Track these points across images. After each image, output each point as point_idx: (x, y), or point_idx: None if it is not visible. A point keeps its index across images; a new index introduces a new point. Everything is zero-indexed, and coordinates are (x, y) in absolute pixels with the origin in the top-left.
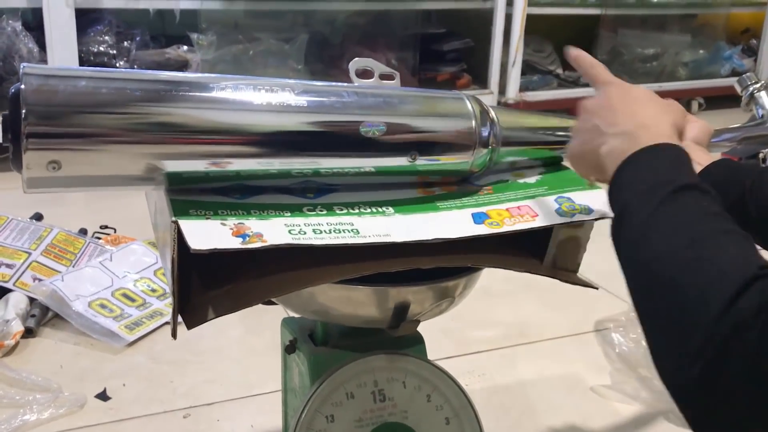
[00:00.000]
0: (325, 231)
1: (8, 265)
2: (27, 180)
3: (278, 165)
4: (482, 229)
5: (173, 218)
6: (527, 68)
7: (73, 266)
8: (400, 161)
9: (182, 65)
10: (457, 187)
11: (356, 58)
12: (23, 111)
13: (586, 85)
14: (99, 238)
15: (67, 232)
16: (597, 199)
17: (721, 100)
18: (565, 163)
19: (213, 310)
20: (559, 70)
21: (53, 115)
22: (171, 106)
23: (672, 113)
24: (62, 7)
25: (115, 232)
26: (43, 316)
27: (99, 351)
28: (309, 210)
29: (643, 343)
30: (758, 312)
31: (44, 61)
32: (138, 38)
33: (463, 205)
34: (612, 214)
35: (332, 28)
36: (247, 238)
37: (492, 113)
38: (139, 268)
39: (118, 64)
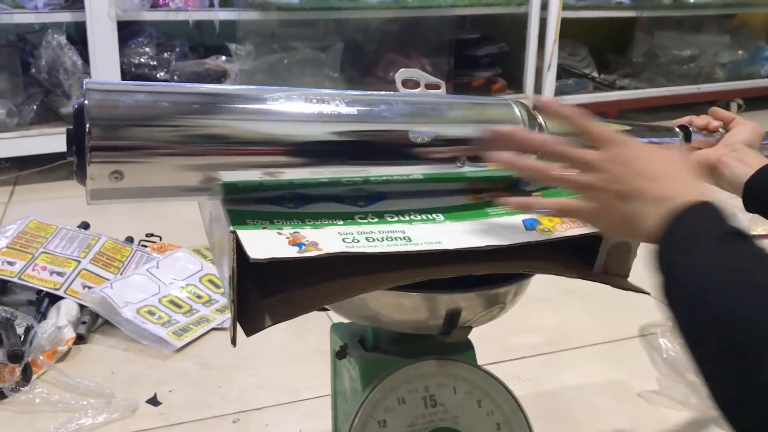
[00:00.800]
0: (377, 239)
1: (59, 273)
2: (91, 191)
3: (330, 173)
4: (534, 236)
5: (231, 228)
6: (562, 72)
7: (121, 274)
8: (449, 168)
9: (221, 75)
10: (506, 193)
11: (402, 69)
12: (87, 125)
13: (622, 87)
14: (145, 246)
15: (115, 241)
16: None
17: (762, 100)
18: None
19: (270, 317)
20: (595, 74)
21: (115, 129)
22: (226, 118)
23: (685, 162)
24: (105, 20)
25: (160, 239)
26: (94, 323)
27: (148, 357)
28: (360, 218)
29: None
30: None
31: (88, 74)
32: (177, 49)
33: (513, 212)
34: None
35: (366, 35)
36: (303, 247)
37: (540, 118)
38: (185, 275)
39: (158, 75)
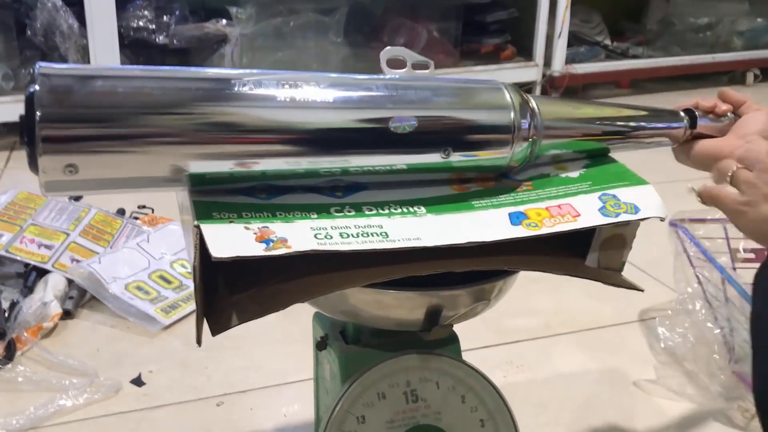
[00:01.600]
0: (352, 235)
1: (47, 246)
2: (44, 184)
3: (305, 164)
4: (520, 231)
5: (195, 222)
6: (574, 39)
7: (111, 247)
8: (432, 158)
9: (221, 39)
10: (494, 182)
11: (387, 48)
12: (37, 114)
13: (635, 56)
14: (137, 219)
15: (105, 213)
16: (644, 195)
17: None
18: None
19: (237, 315)
20: (607, 41)
21: (69, 118)
22: (191, 106)
23: None
24: None
25: (153, 212)
26: (81, 298)
27: (135, 334)
28: (336, 211)
29: (690, 336)
30: None
31: (84, 37)
32: (177, 12)
33: (500, 204)
34: (664, 214)
35: None
36: (271, 244)
37: (533, 103)
38: (176, 249)
39: (157, 39)
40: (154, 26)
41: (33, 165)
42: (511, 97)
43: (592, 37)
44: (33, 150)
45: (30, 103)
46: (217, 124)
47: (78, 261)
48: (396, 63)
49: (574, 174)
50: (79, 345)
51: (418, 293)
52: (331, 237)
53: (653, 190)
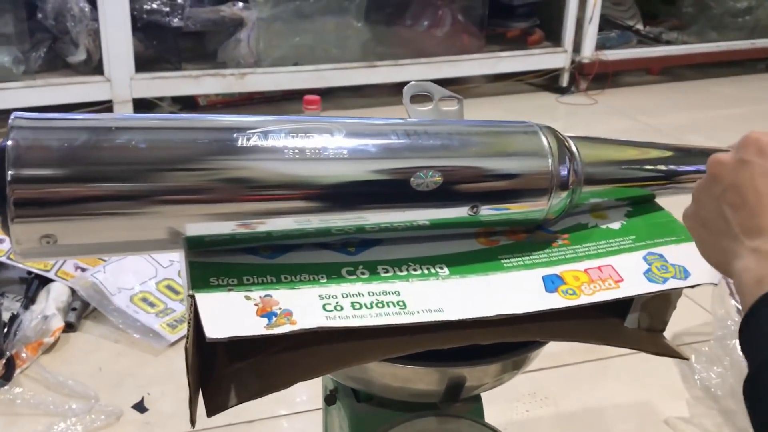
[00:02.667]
0: (365, 305)
1: None
2: (19, 252)
3: (315, 223)
4: (555, 300)
5: (190, 291)
6: (605, 23)
7: None
8: (459, 213)
9: (237, 23)
10: (526, 235)
11: (412, 82)
12: (9, 173)
13: (669, 42)
14: None
15: None
16: (694, 255)
17: None
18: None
19: (236, 393)
20: (640, 26)
21: (46, 179)
22: (186, 162)
23: None
24: None
25: None
26: (85, 309)
27: (139, 351)
28: (349, 272)
29: (729, 375)
30: None
31: (96, 20)
32: None
33: (533, 264)
34: (716, 281)
35: None
36: (274, 319)
37: (572, 146)
38: None
39: (171, 22)
40: (168, 9)
41: (5, 229)
42: (548, 142)
43: (623, 21)
44: (4, 215)
45: (1, 160)
46: (219, 182)
47: (83, 269)
48: (421, 99)
49: (616, 225)
50: (80, 362)
51: (438, 368)
52: (342, 308)
53: None
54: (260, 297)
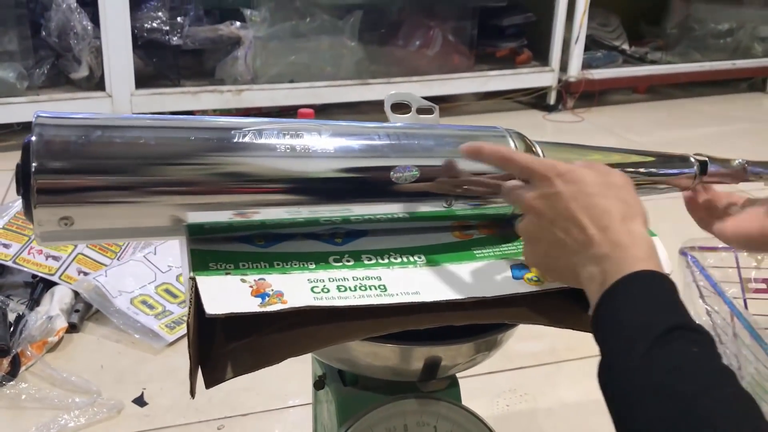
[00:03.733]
0: (350, 288)
1: (55, 258)
2: (39, 234)
3: (305, 213)
4: (521, 286)
5: (191, 274)
6: (591, 43)
7: (118, 259)
8: (435, 207)
9: (235, 41)
10: (497, 229)
11: (392, 92)
12: (33, 165)
13: (654, 62)
14: None
15: None
16: None
17: None
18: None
19: (232, 368)
20: (625, 46)
21: (65, 170)
22: (189, 156)
23: (635, 204)
24: None
25: None
26: (87, 311)
27: (139, 350)
28: (335, 260)
29: None
30: None
31: (98, 38)
32: (192, 13)
33: (502, 254)
34: (669, 271)
35: (387, 1)
36: (267, 299)
37: (538, 149)
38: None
39: (171, 40)
40: (167, 27)
41: (28, 215)
42: (514, 144)
43: (609, 41)
44: (28, 201)
45: (26, 153)
46: (217, 175)
47: (85, 273)
48: (401, 107)
49: None
50: (83, 360)
51: (415, 347)
52: (328, 291)
53: (659, 242)
54: (255, 280)
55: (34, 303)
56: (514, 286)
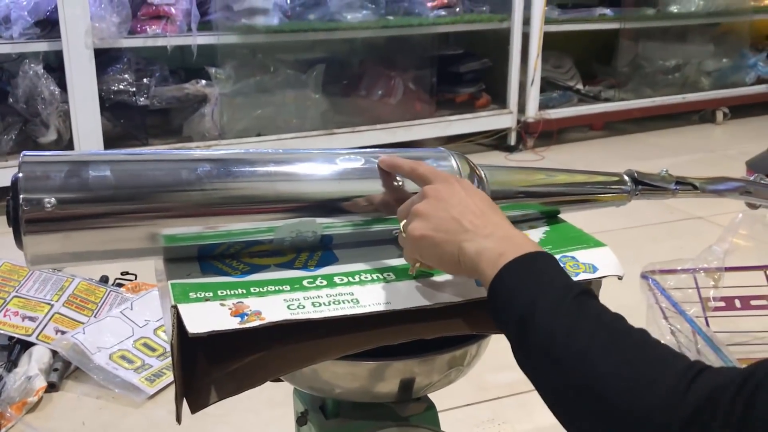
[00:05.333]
0: (324, 303)
1: (31, 318)
2: (30, 260)
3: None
4: (483, 291)
5: (173, 303)
6: (546, 85)
7: (95, 316)
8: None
9: (201, 99)
10: None
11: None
12: (21, 198)
13: (607, 99)
14: (120, 286)
15: (89, 281)
16: (602, 256)
17: (747, 108)
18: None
19: (216, 392)
20: (580, 86)
21: (49, 202)
22: (161, 185)
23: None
24: (82, 49)
25: (136, 278)
26: (66, 369)
27: (120, 405)
28: (309, 283)
29: None
30: (707, 402)
31: (65, 102)
32: (157, 74)
33: None
34: (621, 273)
35: (348, 53)
36: (246, 317)
37: (480, 171)
38: (159, 316)
39: (138, 101)
40: (134, 88)
41: (18, 243)
42: (458, 164)
43: (564, 82)
44: (18, 230)
45: (14, 188)
46: (186, 201)
47: (63, 332)
48: None
49: (535, 239)
50: (64, 419)
51: (390, 363)
52: (304, 307)
53: (609, 251)
54: (233, 303)
55: (12, 364)
56: (479, 292)
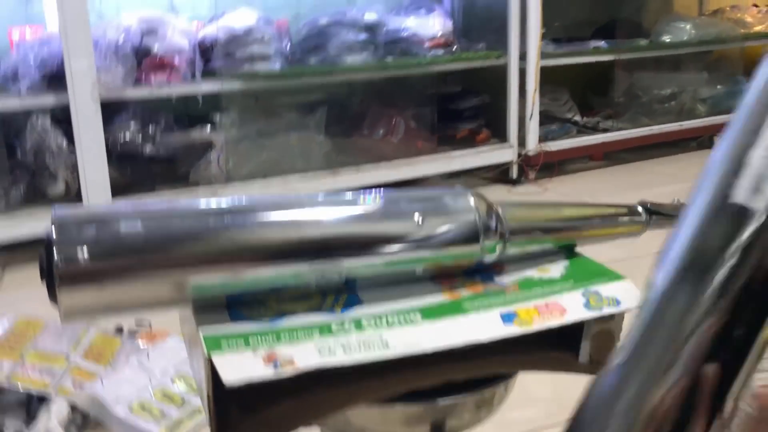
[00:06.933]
0: (354, 347)
1: (49, 372)
2: (63, 315)
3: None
4: (513, 329)
5: (206, 354)
6: (545, 118)
7: (112, 367)
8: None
9: (207, 146)
10: (483, 287)
11: None
12: (55, 253)
13: (606, 129)
14: (135, 335)
15: (104, 332)
16: (623, 289)
17: None
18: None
19: None
20: (578, 117)
21: (83, 257)
22: (190, 236)
23: None
24: (88, 101)
25: (150, 326)
26: (85, 422)
27: None
28: (338, 327)
29: None
30: None
31: (73, 153)
32: (162, 123)
33: (490, 305)
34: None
35: (349, 95)
36: (279, 365)
37: (498, 209)
38: (175, 364)
39: (144, 150)
40: (140, 137)
41: (53, 299)
42: (476, 203)
43: (562, 114)
44: (52, 286)
45: (48, 244)
46: (218, 249)
47: (81, 384)
48: None
49: (556, 275)
50: None
51: (420, 405)
52: (335, 352)
53: (630, 283)
54: (265, 351)
55: (31, 419)
56: (506, 330)
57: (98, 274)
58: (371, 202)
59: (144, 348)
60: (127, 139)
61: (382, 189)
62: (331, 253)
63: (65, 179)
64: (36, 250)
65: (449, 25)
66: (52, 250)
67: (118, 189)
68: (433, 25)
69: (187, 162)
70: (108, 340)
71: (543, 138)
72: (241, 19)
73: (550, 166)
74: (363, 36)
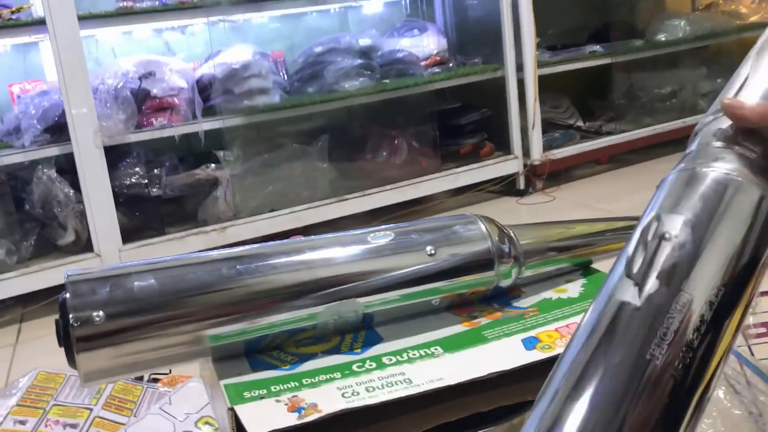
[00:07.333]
0: (377, 387)
1: (72, 426)
2: (83, 377)
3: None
4: (535, 355)
5: (230, 406)
6: (548, 126)
7: (135, 415)
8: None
9: (213, 183)
10: (501, 313)
11: None
12: (70, 318)
13: (609, 133)
14: (156, 381)
15: (125, 380)
16: None
17: None
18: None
19: None
20: (580, 123)
21: (98, 319)
22: (203, 288)
23: None
24: (92, 149)
25: (170, 371)
26: None
27: None
28: (359, 367)
29: (720, 425)
30: None
31: (80, 202)
32: (167, 164)
33: (511, 332)
34: None
35: (351, 116)
36: (303, 411)
37: (511, 232)
38: (199, 407)
39: (151, 192)
40: (146, 180)
41: (71, 363)
42: (487, 228)
43: (564, 121)
44: (71, 350)
45: (63, 308)
46: (233, 300)
47: None
48: None
49: (575, 294)
50: None
51: None
52: (358, 393)
53: None
54: (288, 398)
55: None
56: (529, 357)
57: (115, 333)
58: (383, 236)
59: (166, 393)
60: (133, 182)
61: (376, 209)
62: (344, 292)
63: (75, 228)
64: (51, 297)
65: (444, 42)
66: (68, 316)
67: (128, 234)
68: (427, 44)
69: (195, 201)
70: (129, 389)
71: (547, 146)
72: (236, 55)
73: (557, 174)
74: (359, 61)
